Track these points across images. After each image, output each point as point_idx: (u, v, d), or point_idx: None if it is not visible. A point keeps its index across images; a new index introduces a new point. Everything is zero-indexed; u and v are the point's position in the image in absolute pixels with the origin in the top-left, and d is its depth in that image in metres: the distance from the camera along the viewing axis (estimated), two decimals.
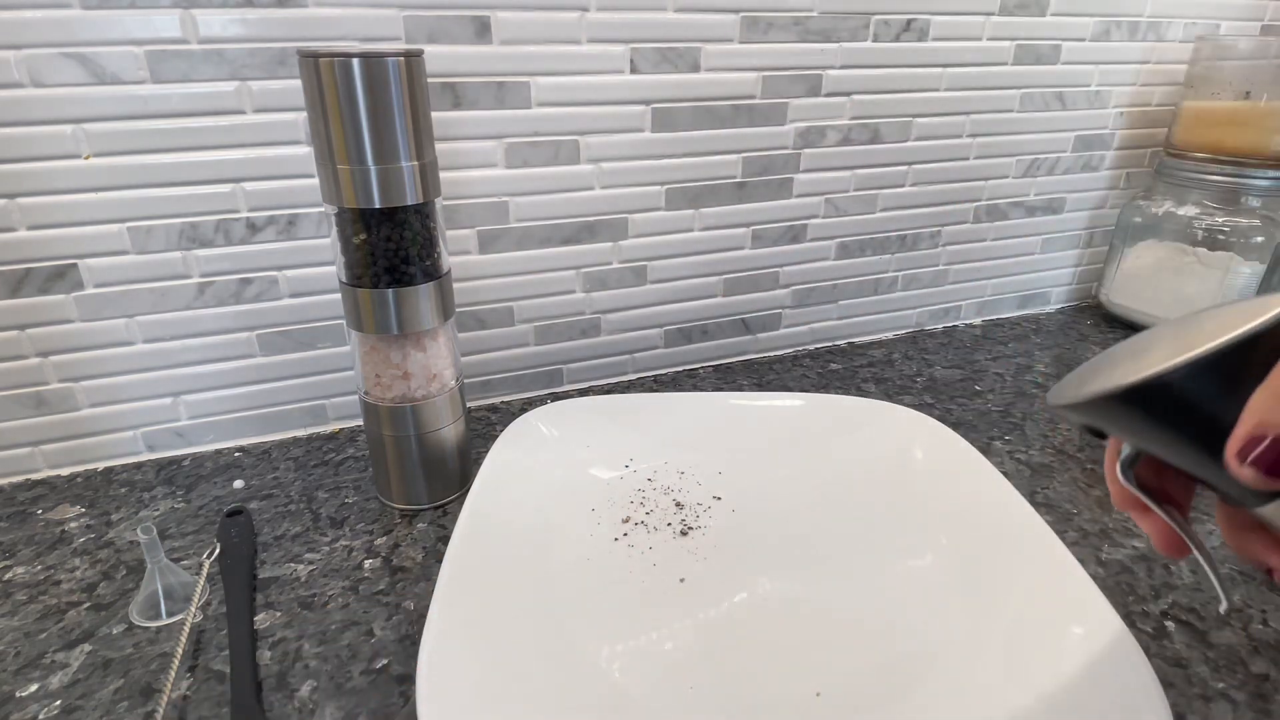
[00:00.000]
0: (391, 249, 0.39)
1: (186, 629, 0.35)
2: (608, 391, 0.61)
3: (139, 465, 0.50)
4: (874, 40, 0.59)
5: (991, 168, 0.68)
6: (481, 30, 0.48)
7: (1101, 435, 0.23)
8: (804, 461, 0.48)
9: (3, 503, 0.46)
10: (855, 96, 0.60)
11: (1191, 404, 0.19)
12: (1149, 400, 0.20)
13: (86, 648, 0.35)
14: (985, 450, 0.49)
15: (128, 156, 0.44)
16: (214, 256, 0.48)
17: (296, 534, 0.43)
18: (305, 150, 0.47)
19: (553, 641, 0.34)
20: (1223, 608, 0.24)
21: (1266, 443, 0.18)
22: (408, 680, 0.33)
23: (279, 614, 0.37)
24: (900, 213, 0.67)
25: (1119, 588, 0.38)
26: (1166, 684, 0.32)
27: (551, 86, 0.51)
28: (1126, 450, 0.23)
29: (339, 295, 0.42)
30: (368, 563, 0.41)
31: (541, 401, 0.59)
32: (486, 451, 0.44)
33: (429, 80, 0.46)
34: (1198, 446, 0.20)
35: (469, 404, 0.59)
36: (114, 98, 0.43)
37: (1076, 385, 0.22)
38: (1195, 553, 0.23)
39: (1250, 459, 0.18)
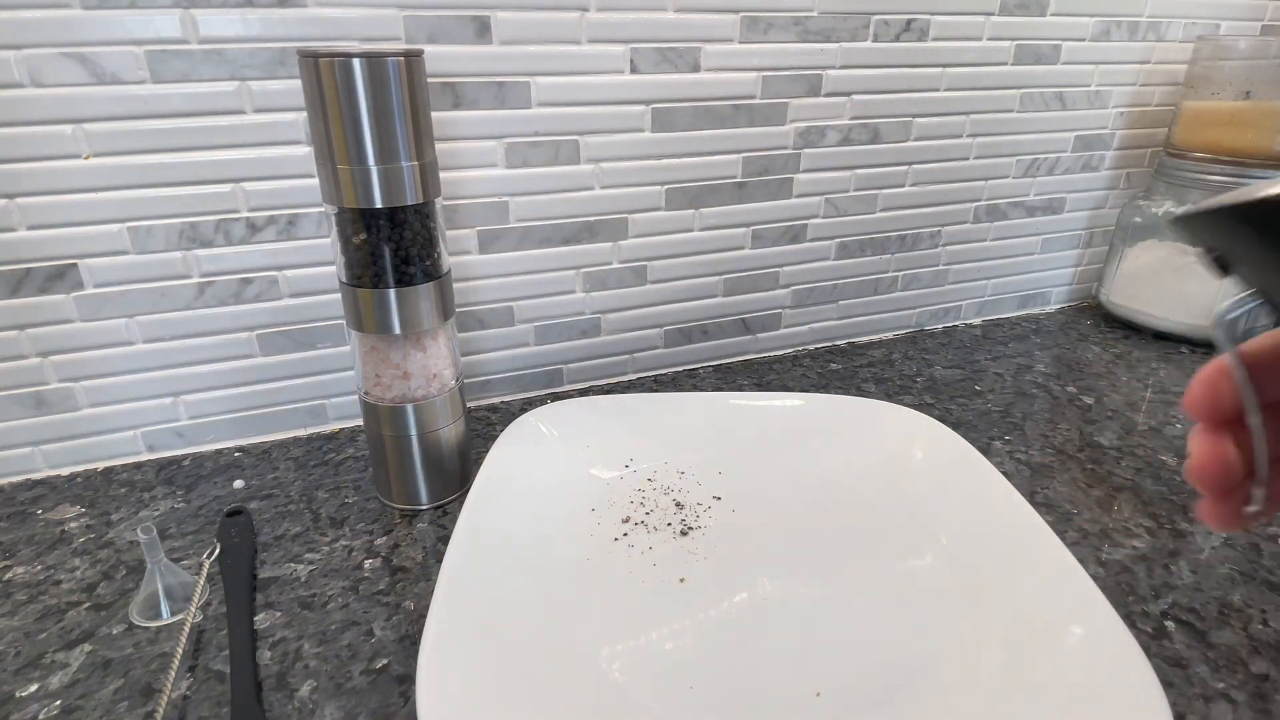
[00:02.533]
0: (391, 249, 0.39)
1: (186, 629, 0.35)
2: (608, 391, 0.61)
3: (139, 465, 0.50)
4: (874, 40, 0.59)
5: (991, 168, 0.68)
6: (481, 30, 0.48)
7: (1226, 268, 0.20)
8: (804, 461, 0.48)
9: (3, 503, 0.46)
10: (855, 96, 0.60)
11: None
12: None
13: (86, 648, 0.35)
14: (985, 450, 0.49)
15: (128, 156, 0.44)
16: (214, 256, 0.48)
17: (296, 534, 0.43)
18: (305, 150, 0.47)
19: (553, 641, 0.34)
20: (1255, 508, 0.21)
21: None
22: (408, 680, 0.33)
23: (279, 614, 0.37)
24: (900, 213, 0.67)
25: (1119, 588, 0.38)
26: (1166, 684, 0.32)
27: (551, 86, 0.51)
28: (1234, 299, 0.20)
29: (339, 295, 0.42)
30: (368, 563, 0.41)
31: (541, 401, 0.59)
32: (486, 451, 0.44)
33: (429, 80, 0.46)
34: None
35: (469, 404, 0.59)
36: (114, 98, 0.43)
37: (1216, 200, 0.19)
38: (1258, 435, 0.20)
39: None
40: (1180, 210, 0.20)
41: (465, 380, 0.53)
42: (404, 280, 0.40)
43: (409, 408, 0.43)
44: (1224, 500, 0.21)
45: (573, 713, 0.30)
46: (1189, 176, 0.67)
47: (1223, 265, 0.20)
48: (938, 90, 0.63)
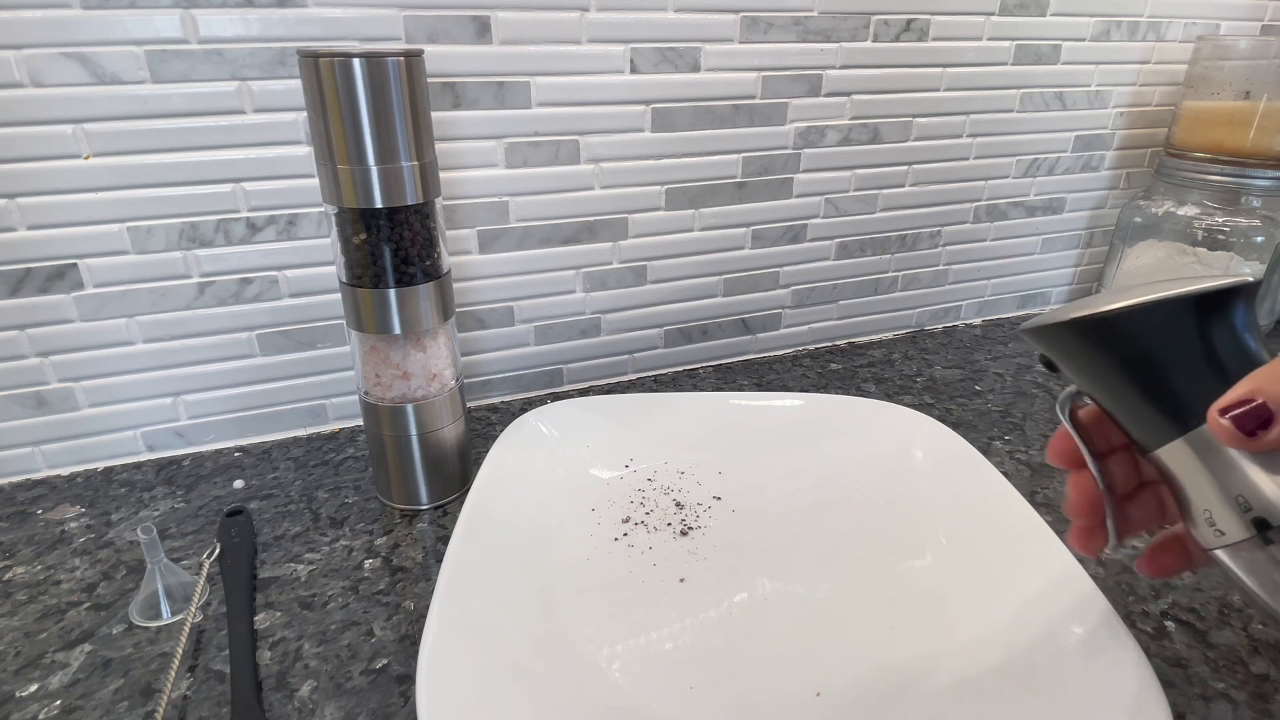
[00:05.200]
0: (391, 249, 0.39)
1: (186, 629, 0.35)
2: (608, 391, 0.61)
3: (139, 465, 0.50)
4: (874, 40, 0.59)
5: (991, 168, 0.68)
6: (481, 30, 0.48)
7: (1053, 368, 0.27)
8: (804, 461, 0.47)
9: (3, 503, 0.46)
10: (855, 96, 0.60)
11: (1118, 342, 0.23)
12: (1089, 333, 0.24)
13: (86, 648, 0.35)
14: (985, 450, 0.49)
15: (128, 156, 0.44)
16: (214, 256, 0.48)
17: (296, 534, 0.43)
18: (305, 150, 0.47)
19: (553, 641, 0.34)
20: (1111, 544, 0.28)
21: (1253, 404, 0.21)
22: (408, 680, 0.33)
23: (279, 614, 0.37)
24: (900, 213, 0.67)
25: (1119, 588, 0.38)
26: (1166, 684, 0.31)
27: (551, 86, 0.51)
28: (1069, 388, 0.27)
29: (339, 295, 0.42)
30: (368, 563, 0.41)
31: (541, 401, 0.59)
32: (486, 451, 0.44)
33: (429, 80, 0.46)
34: (1120, 381, 0.24)
35: (469, 404, 0.59)
36: (114, 98, 0.43)
37: (1045, 318, 0.26)
38: (1098, 483, 0.27)
39: (1231, 415, 0.21)
40: (1020, 327, 0.27)
41: (465, 380, 0.53)
42: (404, 280, 0.40)
43: (409, 408, 0.43)
44: (1087, 530, 0.28)
45: (573, 713, 0.30)
46: (1189, 176, 0.67)
47: (1050, 365, 0.27)
48: (938, 90, 0.63)
